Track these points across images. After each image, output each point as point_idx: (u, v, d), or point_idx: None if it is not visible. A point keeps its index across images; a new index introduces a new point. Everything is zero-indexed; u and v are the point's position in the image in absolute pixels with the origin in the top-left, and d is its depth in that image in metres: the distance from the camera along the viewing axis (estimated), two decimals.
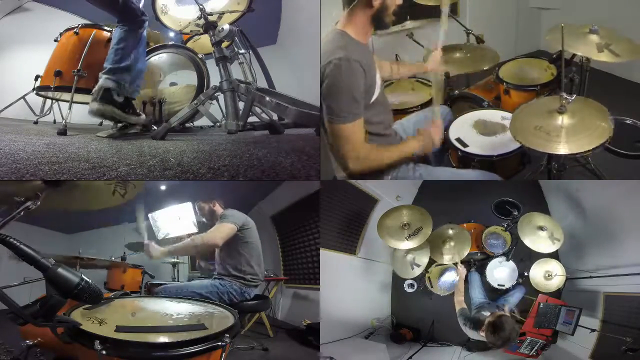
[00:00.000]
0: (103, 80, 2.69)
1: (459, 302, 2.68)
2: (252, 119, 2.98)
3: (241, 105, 2.87)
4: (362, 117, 1.95)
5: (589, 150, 1.84)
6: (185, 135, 3.04)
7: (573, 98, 1.90)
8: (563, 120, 1.88)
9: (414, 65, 2.69)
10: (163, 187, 4.13)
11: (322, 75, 1.91)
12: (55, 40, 3.08)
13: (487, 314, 2.47)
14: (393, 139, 2.28)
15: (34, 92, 3.17)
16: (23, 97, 3.27)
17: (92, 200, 1.85)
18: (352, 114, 1.91)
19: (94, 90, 2.70)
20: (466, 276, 3.07)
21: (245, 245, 2.74)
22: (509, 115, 2.45)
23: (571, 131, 1.84)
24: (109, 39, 2.92)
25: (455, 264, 2.94)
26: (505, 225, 3.09)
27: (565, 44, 2.06)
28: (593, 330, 2.64)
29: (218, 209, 2.90)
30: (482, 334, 2.36)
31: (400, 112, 2.73)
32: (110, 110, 2.70)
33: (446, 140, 2.44)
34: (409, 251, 3.00)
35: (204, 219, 3.03)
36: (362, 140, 1.98)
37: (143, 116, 2.94)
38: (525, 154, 2.39)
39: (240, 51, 3.05)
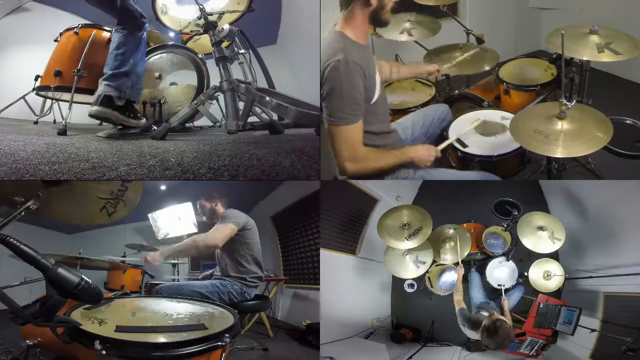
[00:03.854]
0: (103, 87, 2.67)
1: (458, 302, 2.68)
2: (252, 119, 2.98)
3: (241, 105, 2.87)
4: (361, 119, 1.95)
5: None
6: (185, 135, 3.03)
7: (573, 104, 1.94)
8: (562, 125, 1.90)
9: (414, 66, 2.68)
10: (163, 187, 4.13)
11: (322, 77, 1.92)
12: (55, 40, 3.08)
13: (486, 314, 2.48)
14: (395, 136, 2.29)
15: (34, 92, 3.17)
16: (23, 97, 3.27)
17: (78, 211, 1.84)
18: (351, 115, 1.92)
19: (94, 97, 2.70)
20: (466, 276, 3.07)
21: (245, 246, 2.74)
22: (509, 115, 2.45)
23: (569, 136, 1.87)
24: (109, 39, 2.91)
25: (456, 263, 2.94)
26: (505, 225, 3.09)
27: (566, 47, 2.07)
28: (593, 330, 2.64)
29: (220, 208, 2.89)
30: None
31: (400, 112, 2.72)
32: (110, 114, 2.70)
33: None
34: (409, 251, 3.00)
35: (204, 218, 3.02)
36: (359, 142, 1.98)
37: (144, 120, 2.94)
38: (525, 154, 2.39)
39: (240, 51, 3.05)
